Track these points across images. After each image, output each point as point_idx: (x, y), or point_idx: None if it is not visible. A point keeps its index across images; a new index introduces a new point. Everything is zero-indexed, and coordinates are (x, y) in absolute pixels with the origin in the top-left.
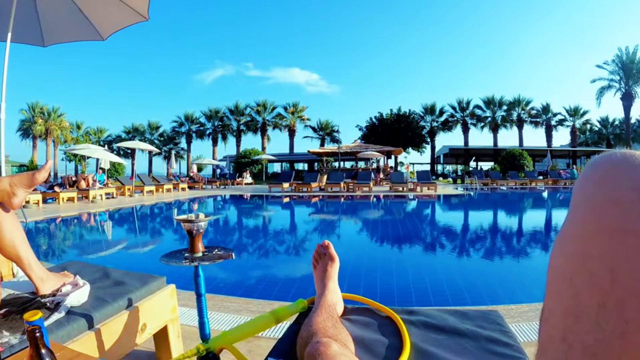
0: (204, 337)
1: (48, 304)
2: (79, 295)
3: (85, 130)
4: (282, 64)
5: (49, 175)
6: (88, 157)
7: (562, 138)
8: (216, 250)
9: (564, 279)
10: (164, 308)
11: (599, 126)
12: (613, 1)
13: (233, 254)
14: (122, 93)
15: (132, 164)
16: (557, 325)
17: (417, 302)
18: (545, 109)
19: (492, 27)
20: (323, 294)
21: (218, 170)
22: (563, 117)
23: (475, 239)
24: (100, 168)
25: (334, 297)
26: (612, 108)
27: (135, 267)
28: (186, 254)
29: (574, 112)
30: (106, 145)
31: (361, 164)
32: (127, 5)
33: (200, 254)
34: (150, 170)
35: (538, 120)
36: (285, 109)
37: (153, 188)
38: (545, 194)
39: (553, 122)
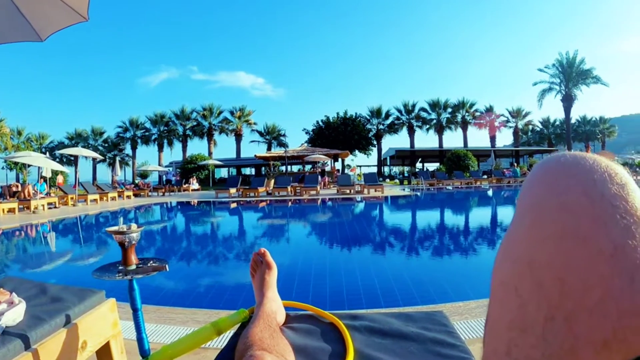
0: (143, 353)
1: None
2: (14, 314)
3: (27, 136)
4: (227, 68)
5: None
6: (29, 166)
7: (505, 138)
8: (151, 262)
9: (508, 288)
10: (105, 323)
11: (541, 126)
12: (555, 11)
13: (167, 266)
14: (65, 97)
15: (75, 172)
16: (501, 338)
17: (367, 304)
18: (489, 110)
19: (439, 33)
20: (262, 304)
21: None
22: (506, 119)
23: (422, 238)
24: (42, 177)
25: (274, 306)
26: (552, 109)
27: (77, 281)
28: (120, 267)
29: (517, 114)
30: (48, 153)
31: (308, 168)
32: (66, 4)
33: (134, 267)
34: (94, 178)
35: (482, 121)
36: (232, 113)
37: (97, 197)
38: (489, 192)
39: (496, 123)
